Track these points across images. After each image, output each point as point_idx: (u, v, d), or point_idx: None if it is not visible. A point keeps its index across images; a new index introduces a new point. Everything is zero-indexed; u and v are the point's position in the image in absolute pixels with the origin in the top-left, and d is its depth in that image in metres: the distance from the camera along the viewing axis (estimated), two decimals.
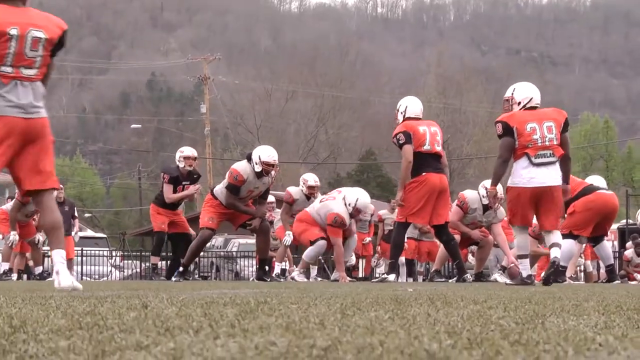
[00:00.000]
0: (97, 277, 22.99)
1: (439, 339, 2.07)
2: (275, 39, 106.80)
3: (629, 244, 18.62)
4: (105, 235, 33.50)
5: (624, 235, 19.94)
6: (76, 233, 17.89)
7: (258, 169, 11.45)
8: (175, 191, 13.50)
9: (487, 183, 13.10)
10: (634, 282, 15.34)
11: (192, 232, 13.94)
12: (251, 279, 19.40)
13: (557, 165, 8.92)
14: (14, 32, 5.79)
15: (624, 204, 23.92)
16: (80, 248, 18.56)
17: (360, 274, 18.25)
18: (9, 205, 15.80)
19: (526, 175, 8.84)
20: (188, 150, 13.91)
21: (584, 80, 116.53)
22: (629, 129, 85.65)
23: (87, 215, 57.73)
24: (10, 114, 5.81)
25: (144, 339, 2.09)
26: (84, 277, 21.42)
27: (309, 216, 13.11)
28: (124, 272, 24.58)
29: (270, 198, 18.38)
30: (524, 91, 9.15)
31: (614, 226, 20.18)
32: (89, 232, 35.18)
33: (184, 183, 13.63)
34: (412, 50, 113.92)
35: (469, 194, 13.11)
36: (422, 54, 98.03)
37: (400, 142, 10.71)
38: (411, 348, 1.88)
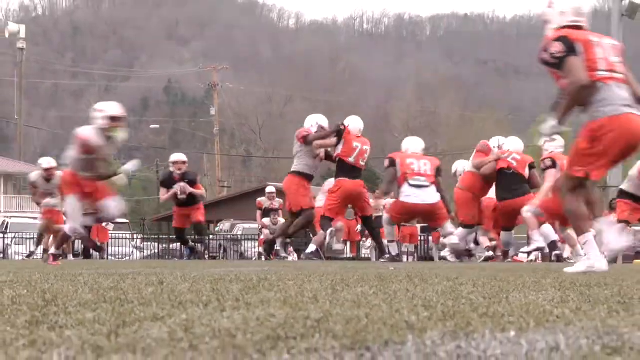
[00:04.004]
0: (120, 257, 22.98)
1: (417, 311, 2.06)
2: (275, 50, 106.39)
3: None
4: (127, 221, 33.39)
5: None
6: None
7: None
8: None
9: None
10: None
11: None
12: (254, 258, 19.38)
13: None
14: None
15: None
16: None
17: (348, 255, 18.28)
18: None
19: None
20: (174, 157, 13.77)
21: (542, 86, 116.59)
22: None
23: None
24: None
25: (160, 311, 2.07)
26: (110, 257, 21.40)
27: None
28: (143, 252, 24.59)
29: (271, 189, 18.36)
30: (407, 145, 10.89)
31: None
32: None
33: (181, 184, 13.40)
34: (393, 61, 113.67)
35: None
36: (402, 64, 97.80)
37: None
38: (393, 320, 1.87)
